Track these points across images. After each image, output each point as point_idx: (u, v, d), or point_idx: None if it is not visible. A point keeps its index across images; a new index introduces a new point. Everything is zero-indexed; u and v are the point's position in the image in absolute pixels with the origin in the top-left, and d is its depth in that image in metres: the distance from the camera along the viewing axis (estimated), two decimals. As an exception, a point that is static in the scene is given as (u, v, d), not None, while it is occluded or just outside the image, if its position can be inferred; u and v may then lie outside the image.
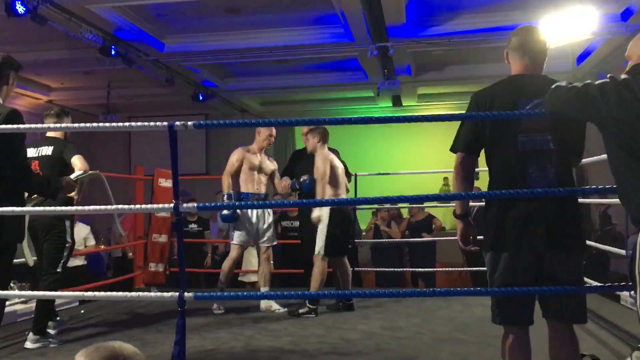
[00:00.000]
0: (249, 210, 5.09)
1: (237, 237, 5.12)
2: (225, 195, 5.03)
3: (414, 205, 7.64)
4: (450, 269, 7.21)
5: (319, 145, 5.05)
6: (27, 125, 2.82)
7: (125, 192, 9.62)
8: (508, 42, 2.51)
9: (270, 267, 5.22)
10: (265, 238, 5.20)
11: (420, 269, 7.03)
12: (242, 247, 5.20)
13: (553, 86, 2.23)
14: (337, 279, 5.22)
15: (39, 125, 2.96)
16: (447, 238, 7.18)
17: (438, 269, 7.30)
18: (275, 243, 5.39)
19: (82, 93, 11.09)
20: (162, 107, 12.08)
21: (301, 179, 5.15)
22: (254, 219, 5.13)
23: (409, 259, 7.92)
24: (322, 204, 4.86)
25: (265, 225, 5.19)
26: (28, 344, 3.92)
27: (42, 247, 4.08)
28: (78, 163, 3.98)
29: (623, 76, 1.99)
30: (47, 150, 4.09)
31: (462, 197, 2.53)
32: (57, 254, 4.03)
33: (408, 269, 7.49)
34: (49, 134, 4.27)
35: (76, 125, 2.80)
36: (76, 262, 6.34)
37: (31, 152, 4.09)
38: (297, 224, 6.85)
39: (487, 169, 2.50)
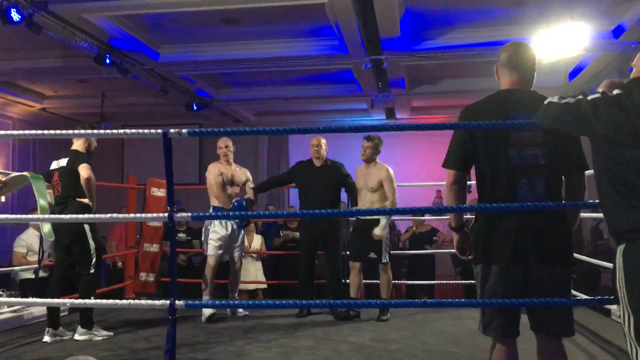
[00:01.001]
0: (222, 222, 5.28)
1: (211, 248, 5.29)
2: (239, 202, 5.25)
3: (413, 218, 7.69)
4: (445, 281, 7.20)
5: (376, 156, 5.27)
6: (26, 132, 2.81)
7: (117, 200, 9.61)
8: (498, 58, 2.54)
9: (240, 274, 5.59)
10: (237, 248, 5.43)
11: (418, 282, 7.03)
12: (217, 257, 5.32)
13: (546, 101, 2.25)
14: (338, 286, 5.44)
15: (35, 132, 2.96)
16: (447, 251, 7.19)
17: (434, 282, 7.25)
18: (243, 253, 5.65)
19: (76, 101, 11.06)
20: (155, 117, 12.09)
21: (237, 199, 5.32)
22: (229, 230, 5.32)
23: (407, 272, 7.89)
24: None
25: (238, 237, 5.41)
26: (76, 336, 4.38)
27: (62, 252, 4.46)
28: (81, 172, 4.31)
29: (616, 92, 1.99)
30: (63, 162, 4.46)
31: (457, 209, 2.56)
32: (85, 257, 4.41)
33: (403, 282, 7.46)
34: (73, 146, 4.62)
35: (70, 132, 2.81)
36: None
37: (53, 165, 4.55)
38: (296, 234, 6.91)
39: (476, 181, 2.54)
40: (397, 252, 7.46)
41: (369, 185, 5.14)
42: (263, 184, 5.86)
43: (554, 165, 2.40)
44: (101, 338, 4.41)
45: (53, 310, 4.40)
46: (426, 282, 7.04)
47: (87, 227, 4.39)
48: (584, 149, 2.42)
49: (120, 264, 7.97)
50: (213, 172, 5.37)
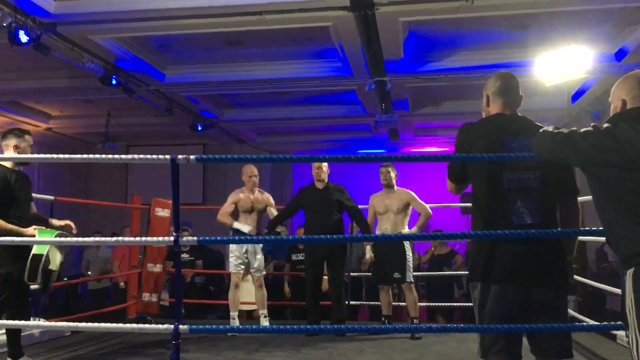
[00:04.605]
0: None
1: (232, 266, 5.68)
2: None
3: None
4: (446, 304, 7.14)
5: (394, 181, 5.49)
6: (33, 156, 2.83)
7: (121, 220, 9.63)
8: (489, 87, 2.61)
9: (263, 293, 5.74)
10: (254, 268, 5.68)
11: (429, 304, 6.99)
12: (237, 274, 5.66)
13: (540, 130, 2.33)
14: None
15: (44, 156, 2.99)
16: (463, 273, 7.18)
17: (442, 304, 7.17)
18: (264, 273, 5.89)
19: (82, 121, 11.14)
20: (160, 136, 12.15)
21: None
22: (243, 251, 5.61)
23: (425, 294, 7.83)
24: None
25: (258, 256, 5.65)
26: None
27: None
28: None
29: (605, 125, 2.09)
30: None
31: (460, 237, 2.59)
32: None
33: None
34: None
35: (79, 156, 2.83)
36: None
37: None
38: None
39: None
40: (414, 273, 7.46)
41: (394, 208, 5.37)
42: (276, 221, 5.77)
43: (547, 188, 2.45)
44: None
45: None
46: (436, 304, 6.98)
47: None
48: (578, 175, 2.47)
49: (122, 283, 7.96)
50: (229, 201, 5.69)
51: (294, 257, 7.35)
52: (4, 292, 3.82)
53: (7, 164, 3.89)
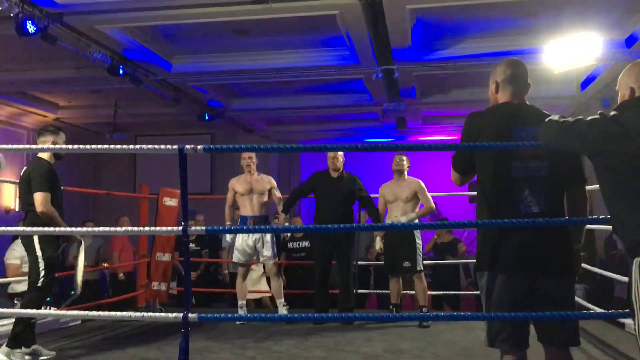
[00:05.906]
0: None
1: (235, 257, 5.66)
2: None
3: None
4: (455, 292, 7.15)
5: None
6: (44, 146, 2.84)
7: (129, 209, 9.67)
8: (498, 73, 2.58)
9: (279, 281, 5.70)
10: (265, 256, 5.59)
11: (435, 292, 6.98)
12: (242, 265, 5.66)
13: (546, 120, 2.32)
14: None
15: (53, 146, 3.02)
16: (467, 261, 7.19)
17: (447, 292, 7.16)
18: (276, 259, 5.75)
19: (89, 111, 11.16)
20: (168, 126, 12.17)
21: None
22: (250, 241, 5.56)
23: (432, 282, 7.84)
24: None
25: (264, 245, 5.57)
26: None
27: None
28: (35, 203, 3.95)
29: (612, 112, 2.09)
30: (25, 171, 4.17)
31: (469, 225, 2.58)
32: (35, 270, 4.00)
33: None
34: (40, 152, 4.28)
35: (87, 146, 2.84)
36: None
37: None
38: (304, 244, 6.96)
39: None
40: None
41: (403, 197, 5.41)
42: (289, 201, 5.82)
43: (556, 177, 2.43)
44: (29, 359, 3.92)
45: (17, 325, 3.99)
46: (440, 292, 6.98)
47: (36, 239, 3.99)
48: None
49: (121, 274, 7.96)
50: (229, 189, 5.69)
51: (290, 245, 7.34)
52: (50, 275, 4.01)
53: (47, 158, 4.14)
